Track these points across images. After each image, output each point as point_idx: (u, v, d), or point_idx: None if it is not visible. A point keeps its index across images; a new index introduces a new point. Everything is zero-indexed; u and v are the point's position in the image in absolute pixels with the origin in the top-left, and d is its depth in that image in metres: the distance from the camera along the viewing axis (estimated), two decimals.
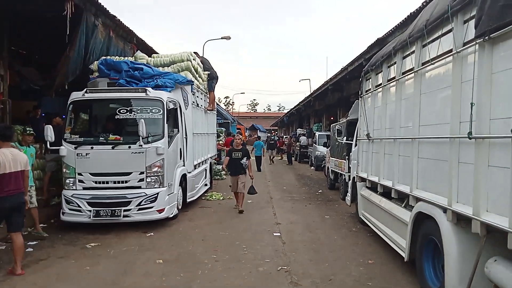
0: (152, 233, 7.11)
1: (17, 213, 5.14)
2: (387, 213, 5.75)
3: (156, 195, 7.34)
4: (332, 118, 30.48)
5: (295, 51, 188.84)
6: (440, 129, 4.06)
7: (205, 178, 11.47)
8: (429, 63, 4.30)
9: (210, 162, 12.62)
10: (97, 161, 7.35)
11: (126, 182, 7.36)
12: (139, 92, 7.67)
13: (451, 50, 3.85)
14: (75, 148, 7.36)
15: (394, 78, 5.54)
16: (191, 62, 9.61)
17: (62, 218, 7.38)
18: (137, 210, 7.25)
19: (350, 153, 9.41)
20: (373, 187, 6.68)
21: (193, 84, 9.59)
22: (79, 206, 7.22)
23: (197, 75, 10.31)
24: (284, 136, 42.11)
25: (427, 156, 4.39)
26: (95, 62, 9.09)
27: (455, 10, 3.67)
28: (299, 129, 33.77)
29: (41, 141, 10.34)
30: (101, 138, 7.57)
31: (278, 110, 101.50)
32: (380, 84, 6.21)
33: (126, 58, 9.51)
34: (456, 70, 3.74)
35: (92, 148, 7.36)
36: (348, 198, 8.79)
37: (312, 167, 21.60)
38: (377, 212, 6.36)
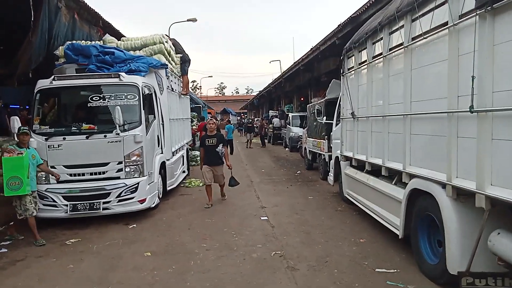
0: (134, 225, 6.83)
1: None
2: (376, 191, 5.75)
3: (136, 185, 7.02)
4: (302, 99, 30.58)
5: (262, 33, 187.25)
6: (435, 104, 4.00)
7: (183, 165, 11.17)
8: (421, 38, 4.22)
9: (187, 148, 12.32)
10: (71, 153, 6.92)
11: (103, 173, 6.99)
12: (112, 77, 7.23)
13: (446, 23, 3.76)
14: (46, 139, 6.89)
15: (380, 54, 5.45)
16: (163, 44, 9.17)
17: (36, 214, 6.93)
18: (117, 202, 6.92)
19: (331, 133, 9.36)
20: (359, 165, 6.66)
21: (167, 68, 9.19)
22: (54, 201, 6.81)
23: (170, 59, 9.87)
24: (256, 119, 42.03)
25: (421, 132, 4.35)
26: (60, 47, 8.51)
27: None
28: (271, 111, 33.69)
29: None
30: (73, 128, 7.11)
31: (247, 93, 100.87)
32: (365, 61, 6.11)
33: (94, 42, 8.95)
34: (452, 43, 3.66)
35: (64, 139, 6.91)
36: (331, 178, 8.79)
37: (287, 149, 21.62)
38: (364, 191, 6.36)
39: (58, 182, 6.90)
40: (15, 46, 9.05)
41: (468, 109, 3.28)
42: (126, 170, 7.04)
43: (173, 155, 9.56)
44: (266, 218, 7.00)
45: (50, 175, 6.79)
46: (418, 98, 4.39)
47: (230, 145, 19.18)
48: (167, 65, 9.24)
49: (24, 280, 4.62)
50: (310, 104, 13.39)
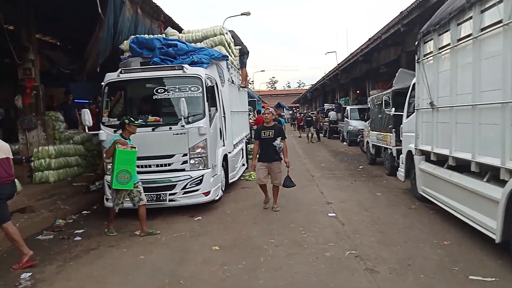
0: (200, 217, 6.78)
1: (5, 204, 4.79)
2: (462, 189, 5.19)
3: (201, 177, 6.97)
4: (358, 92, 29.54)
5: (313, 26, 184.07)
6: None
7: (242, 157, 11.07)
8: None
9: (245, 141, 12.22)
10: (138, 144, 6.95)
11: (169, 165, 7.00)
12: (175, 69, 7.20)
13: None
14: (115, 131, 7.00)
15: (468, 36, 4.88)
16: (224, 36, 9.06)
17: (106, 204, 7.11)
18: (183, 194, 6.91)
19: (400, 125, 8.76)
20: (438, 160, 6.10)
21: (228, 60, 9.08)
22: None
23: (230, 50, 9.75)
24: (310, 112, 41.32)
25: None
26: (125, 41, 8.66)
27: None
28: (326, 104, 32.85)
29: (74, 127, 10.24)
30: (140, 120, 7.17)
31: (298, 86, 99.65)
32: (447, 45, 5.54)
33: (156, 35, 9.03)
34: None
35: None
36: (401, 173, 8.21)
37: (344, 143, 20.93)
38: (445, 188, 5.80)
39: None
40: (83, 43, 9.40)
41: None
42: (191, 162, 7.00)
43: (234, 148, 9.47)
44: (334, 214, 6.65)
45: None
46: None
47: None
48: (228, 56, 9.11)
49: (98, 270, 4.68)
50: (374, 96, 12.72)
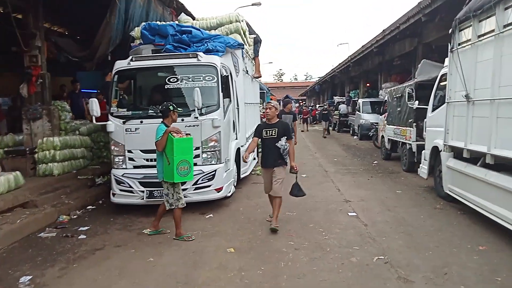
0: (211, 215, 6.40)
1: None
2: (500, 189, 4.75)
3: (213, 172, 6.58)
4: (368, 84, 28.92)
5: (322, 19, 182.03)
6: None
7: (253, 151, 10.65)
8: None
9: None
10: (148, 137, 6.48)
11: None
12: (189, 57, 6.78)
13: None
14: (124, 123, 6.64)
15: None
16: (240, 23, 8.63)
17: (112, 199, 6.77)
18: (194, 190, 6.53)
19: (424, 120, 8.29)
20: (471, 158, 5.64)
21: (243, 48, 8.64)
22: (131, 187, 6.57)
23: (245, 39, 9.31)
24: (318, 105, 40.73)
25: None
26: (136, 28, 8.25)
27: None
28: (336, 96, 32.26)
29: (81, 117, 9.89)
30: (150, 111, 6.77)
31: (306, 79, 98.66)
32: (489, 32, 5.05)
33: (169, 22, 8.60)
34: None
35: (141, 122, 6.61)
36: (424, 170, 7.75)
37: (355, 137, 20.46)
38: (479, 188, 5.36)
39: (135, 167, 6.67)
40: (92, 30, 9.01)
41: None
42: (203, 156, 6.62)
43: (246, 141, 9.06)
44: (354, 214, 6.24)
45: (128, 159, 6.58)
46: None
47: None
48: (244, 45, 8.68)
49: (104, 273, 4.31)
50: (392, 88, 12.21)
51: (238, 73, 8.28)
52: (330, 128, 24.43)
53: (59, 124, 8.53)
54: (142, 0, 8.88)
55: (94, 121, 6.69)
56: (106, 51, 8.63)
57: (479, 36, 5.32)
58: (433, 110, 7.58)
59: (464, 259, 4.37)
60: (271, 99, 25.45)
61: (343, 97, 29.55)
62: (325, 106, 25.49)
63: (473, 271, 4.05)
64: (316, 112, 33.93)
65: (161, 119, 5.49)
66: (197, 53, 6.80)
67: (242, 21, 9.09)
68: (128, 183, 6.57)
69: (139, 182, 6.55)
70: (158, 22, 8.27)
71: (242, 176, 8.49)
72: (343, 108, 25.14)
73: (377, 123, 15.54)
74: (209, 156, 6.63)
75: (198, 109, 6.25)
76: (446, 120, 6.32)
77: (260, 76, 11.43)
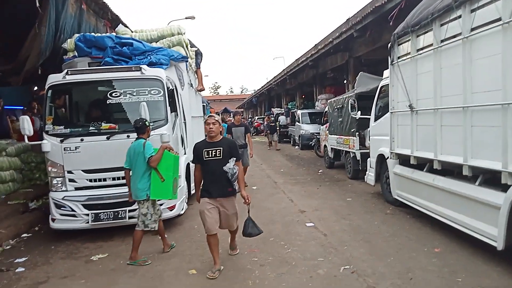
0: (165, 235, 6.03)
1: None
2: (450, 193, 5.02)
3: None
4: (304, 96, 29.96)
5: (257, 34, 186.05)
6: None
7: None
8: None
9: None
10: (90, 156, 6.11)
11: None
12: (132, 71, 6.41)
13: None
14: (61, 141, 6.08)
15: (455, 36, 4.72)
16: (182, 36, 8.37)
17: (52, 225, 6.13)
18: None
19: (367, 129, 8.64)
20: (419, 164, 5.94)
21: (187, 61, 8.40)
22: (73, 210, 6.01)
23: (187, 51, 9.08)
24: (257, 117, 41.26)
25: None
26: (69, 40, 7.69)
27: None
28: (276, 108, 32.94)
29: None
30: (91, 128, 6.28)
31: (241, 92, 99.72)
32: (427, 46, 5.38)
33: (106, 34, 8.14)
34: None
35: (82, 140, 6.10)
36: (370, 177, 8.05)
37: (297, 147, 20.91)
38: (428, 192, 5.64)
39: (77, 189, 6.12)
40: (18, 40, 8.23)
41: None
42: None
43: None
44: (312, 224, 6.25)
45: (68, 181, 6.05)
46: None
47: None
48: (188, 58, 8.45)
49: None
50: (333, 99, 12.65)
51: (183, 86, 8.02)
52: (276, 140, 22.29)
53: None
54: (74, 10, 8.34)
55: (26, 140, 6.04)
56: (36, 64, 7.93)
57: (418, 50, 5.65)
58: (376, 119, 7.92)
59: (424, 262, 4.52)
60: (211, 112, 25.12)
61: (282, 109, 30.22)
62: (272, 118, 24.43)
63: (435, 274, 4.19)
64: (261, 124, 33.66)
65: (107, 136, 5.42)
66: (140, 66, 6.46)
67: (184, 33, 8.85)
68: (70, 207, 6.01)
69: (82, 204, 6.02)
70: (93, 34, 7.78)
71: (192, 192, 8.18)
72: (282, 119, 25.66)
73: (317, 133, 16.03)
74: None
75: None
76: (391, 129, 6.61)
77: (203, 89, 11.22)
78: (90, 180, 6.15)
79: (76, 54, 7.33)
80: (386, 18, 11.01)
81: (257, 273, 4.43)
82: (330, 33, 17.65)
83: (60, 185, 6.13)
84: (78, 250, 5.61)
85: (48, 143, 6.09)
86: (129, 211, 6.03)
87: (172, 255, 5.20)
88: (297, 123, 20.85)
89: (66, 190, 6.11)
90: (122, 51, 7.02)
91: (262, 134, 31.86)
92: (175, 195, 5.29)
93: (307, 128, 19.05)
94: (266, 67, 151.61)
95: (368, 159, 8.32)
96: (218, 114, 34.61)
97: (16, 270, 4.96)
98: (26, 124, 5.86)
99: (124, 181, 6.13)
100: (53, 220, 6.10)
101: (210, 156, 4.41)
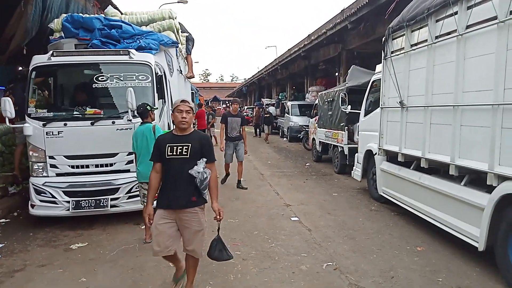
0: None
1: None
2: (435, 192, 5.01)
3: None
4: (294, 88, 29.84)
5: (250, 21, 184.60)
6: None
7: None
8: None
9: None
10: (73, 141, 5.95)
11: (111, 165, 6.05)
12: (120, 54, 6.22)
13: None
14: (44, 125, 5.89)
15: (450, 33, 4.66)
16: (173, 20, 8.17)
17: (31, 211, 5.96)
18: (127, 199, 6.00)
19: (356, 124, 8.61)
20: (406, 161, 5.92)
21: (177, 47, 8.22)
22: (54, 197, 5.85)
23: (178, 37, 8.87)
24: (246, 107, 41.01)
25: None
26: (56, 20, 7.42)
27: None
28: (266, 99, 32.75)
29: None
30: (75, 112, 6.10)
31: (231, 80, 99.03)
32: (421, 42, 5.32)
33: (95, 15, 7.89)
34: None
35: (65, 125, 5.91)
36: (357, 173, 8.04)
37: (285, 138, 20.86)
38: (413, 191, 5.63)
39: (58, 175, 5.97)
40: (2, 18, 7.95)
41: None
42: None
43: None
44: (297, 218, 6.21)
45: (50, 166, 5.89)
46: None
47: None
48: (178, 43, 8.26)
49: None
50: (323, 92, 12.58)
51: (172, 72, 7.85)
52: (267, 132, 21.08)
53: None
54: None
55: (7, 123, 5.84)
56: (21, 44, 7.69)
57: (412, 45, 5.59)
58: (366, 114, 7.88)
59: (407, 261, 4.52)
60: (200, 100, 24.48)
61: (272, 99, 30.06)
62: (268, 109, 23.02)
63: (417, 273, 4.19)
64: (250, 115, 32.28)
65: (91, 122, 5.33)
66: (129, 50, 6.27)
67: (175, 18, 8.64)
68: (50, 193, 5.85)
69: (63, 191, 5.86)
70: (81, 14, 7.53)
71: None
72: (272, 110, 25.51)
73: (306, 125, 15.99)
74: None
75: (131, 111, 5.75)
76: (381, 125, 6.57)
77: (193, 76, 11.04)
78: (72, 167, 5.99)
79: (63, 35, 7.10)
80: (381, 10, 10.95)
81: (239, 267, 4.37)
82: (324, 23, 17.49)
83: (41, 170, 5.96)
84: (57, 238, 5.48)
85: (30, 127, 5.90)
86: (111, 199, 5.92)
87: None
88: (286, 114, 20.76)
89: (47, 176, 5.94)
90: (110, 33, 6.80)
91: (250, 124, 31.45)
92: None
93: (296, 120, 18.99)
94: (257, 56, 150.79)
95: (356, 154, 8.30)
96: (208, 103, 33.74)
97: None
98: (8, 106, 5.66)
99: (107, 168, 6.08)
100: (33, 206, 5.94)
101: (175, 153, 3.35)
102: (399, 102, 5.80)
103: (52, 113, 6.08)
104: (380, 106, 6.65)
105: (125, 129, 5.95)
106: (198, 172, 3.34)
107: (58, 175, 5.97)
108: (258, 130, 23.86)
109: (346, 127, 9.66)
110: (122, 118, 5.92)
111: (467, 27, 4.33)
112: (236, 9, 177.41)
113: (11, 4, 7.41)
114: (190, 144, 3.38)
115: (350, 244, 5.06)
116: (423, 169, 5.44)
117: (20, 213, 6.68)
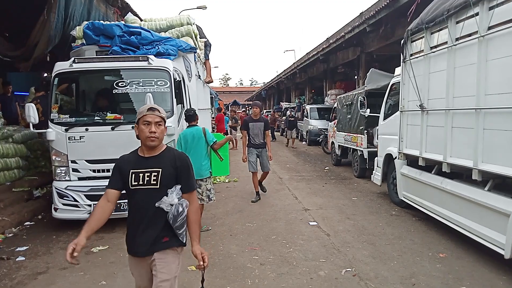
0: None
1: None
2: (458, 197, 4.88)
3: None
4: (313, 91, 29.68)
5: (269, 26, 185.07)
6: None
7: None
8: None
9: None
10: (94, 146, 6.07)
11: None
12: (140, 60, 6.32)
13: None
14: (66, 130, 6.04)
15: (471, 34, 4.55)
16: (191, 26, 8.27)
17: (54, 215, 6.11)
18: None
19: (376, 127, 8.48)
20: (427, 165, 5.79)
21: (196, 52, 8.30)
22: (76, 200, 5.99)
23: (196, 42, 8.97)
24: (265, 111, 41.01)
25: None
26: (78, 27, 7.61)
27: None
28: (285, 102, 32.70)
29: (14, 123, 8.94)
30: (97, 118, 6.23)
31: (251, 84, 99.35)
32: (443, 43, 5.20)
33: (115, 22, 8.06)
34: None
35: (87, 130, 6.05)
36: (377, 177, 7.91)
37: (304, 142, 20.75)
38: (436, 196, 5.49)
39: (80, 179, 6.09)
40: (24, 28, 8.21)
41: None
42: None
43: None
44: (315, 223, 6.16)
45: (72, 170, 6.02)
46: None
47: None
48: (196, 49, 8.34)
49: None
50: (342, 95, 12.46)
51: (190, 77, 7.93)
52: (295, 138, 19.76)
53: None
54: None
55: (31, 128, 6.02)
56: (44, 51, 7.90)
57: (431, 48, 5.48)
58: (385, 118, 7.76)
59: (428, 267, 4.41)
60: (219, 105, 24.50)
61: (290, 103, 29.99)
62: (293, 113, 21.14)
63: (439, 280, 4.08)
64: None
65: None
66: (148, 56, 6.37)
67: (193, 23, 8.74)
68: (72, 197, 5.99)
69: (85, 195, 6.00)
70: (102, 22, 7.71)
71: None
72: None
73: (325, 129, 15.87)
74: None
75: None
76: (400, 128, 6.46)
77: (212, 81, 11.14)
78: (94, 171, 6.11)
79: (84, 42, 7.28)
80: (400, 13, 10.84)
81: (257, 272, 4.36)
82: (342, 27, 17.43)
83: (63, 174, 6.10)
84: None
85: (53, 132, 6.05)
86: None
87: None
88: (305, 118, 20.66)
89: (70, 180, 6.08)
90: (130, 40, 6.94)
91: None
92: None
93: (315, 123, 18.87)
94: (276, 60, 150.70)
95: (376, 158, 8.18)
96: (228, 107, 33.63)
97: (17, 259, 4.96)
98: (32, 112, 5.83)
99: None
100: (56, 209, 6.09)
101: (141, 182, 2.53)
102: (419, 105, 5.69)
103: (74, 118, 6.22)
104: (400, 110, 6.53)
105: None
106: (171, 205, 2.49)
107: (80, 179, 6.10)
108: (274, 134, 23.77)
109: (365, 131, 9.52)
110: None
111: (489, 28, 4.22)
112: (255, 14, 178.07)
113: (35, 13, 7.64)
114: (160, 170, 2.53)
115: (370, 250, 4.98)
116: (445, 174, 5.32)
117: (44, 216, 6.86)
